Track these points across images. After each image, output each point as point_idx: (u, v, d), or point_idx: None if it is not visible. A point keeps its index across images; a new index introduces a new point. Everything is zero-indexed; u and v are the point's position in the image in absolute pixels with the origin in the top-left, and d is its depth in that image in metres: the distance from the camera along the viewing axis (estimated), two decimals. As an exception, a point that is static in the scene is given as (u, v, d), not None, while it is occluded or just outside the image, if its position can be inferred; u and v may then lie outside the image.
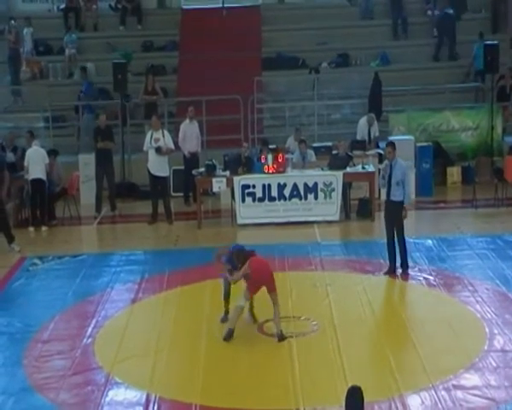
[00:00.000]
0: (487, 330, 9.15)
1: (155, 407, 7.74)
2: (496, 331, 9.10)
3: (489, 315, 9.57)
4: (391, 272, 10.96)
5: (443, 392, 7.78)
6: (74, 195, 14.84)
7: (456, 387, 7.87)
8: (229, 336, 9.08)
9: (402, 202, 10.82)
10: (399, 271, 11.02)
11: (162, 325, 9.75)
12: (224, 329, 9.19)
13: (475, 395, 7.72)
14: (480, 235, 12.17)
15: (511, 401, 7.59)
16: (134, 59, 18.62)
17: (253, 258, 9.31)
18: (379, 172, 14.93)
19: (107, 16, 19.96)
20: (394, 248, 10.96)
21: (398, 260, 11.04)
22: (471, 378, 8.06)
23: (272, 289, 9.23)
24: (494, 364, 8.30)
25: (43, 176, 13.96)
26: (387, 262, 11.26)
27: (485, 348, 8.71)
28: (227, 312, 9.56)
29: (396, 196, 10.81)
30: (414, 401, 7.70)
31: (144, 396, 7.94)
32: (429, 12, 19.27)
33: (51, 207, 14.33)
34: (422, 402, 7.68)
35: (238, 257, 9.31)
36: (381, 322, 9.57)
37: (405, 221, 10.99)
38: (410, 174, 10.93)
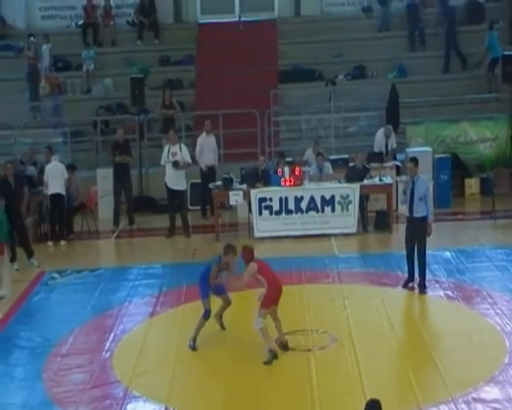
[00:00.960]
0: (507, 343, 9.07)
1: (174, 421, 7.75)
2: (516, 344, 9.03)
3: (509, 328, 9.49)
4: (408, 284, 10.86)
5: (463, 405, 7.73)
6: (92, 209, 14.93)
7: (475, 400, 7.81)
8: (272, 359, 8.78)
9: (425, 218, 10.64)
10: (415, 287, 10.82)
11: (180, 338, 9.75)
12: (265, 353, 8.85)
13: (495, 409, 7.65)
14: (499, 246, 12.09)
15: (532, 414, 7.51)
16: (151, 73, 18.75)
17: (260, 263, 9.08)
18: (396, 185, 15.00)
19: (125, 32, 20.12)
20: (413, 261, 10.82)
21: (416, 272, 10.94)
22: (491, 392, 7.99)
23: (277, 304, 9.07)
24: (515, 377, 8.22)
25: (62, 191, 14.07)
26: (405, 275, 11.22)
27: (506, 361, 8.63)
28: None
29: (419, 212, 10.64)
30: (433, 414, 7.65)
31: (163, 410, 7.95)
32: (445, 24, 19.21)
33: (69, 221, 14.43)
34: (442, 416, 7.62)
35: (244, 254, 9.04)
36: (399, 335, 9.52)
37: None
38: (431, 189, 10.82)
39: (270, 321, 9.15)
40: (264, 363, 8.79)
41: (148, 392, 8.31)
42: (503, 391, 7.96)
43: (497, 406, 7.70)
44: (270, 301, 9.03)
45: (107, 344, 9.60)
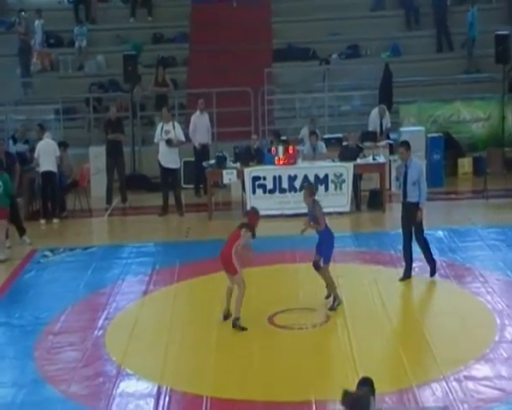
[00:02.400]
0: (498, 321, 9.13)
1: (166, 399, 7.77)
2: (507, 322, 9.08)
3: (500, 306, 9.55)
4: (406, 277, 10.53)
5: (454, 383, 7.77)
6: (85, 187, 14.89)
7: (467, 378, 7.86)
8: (224, 317, 9.29)
9: (419, 203, 10.35)
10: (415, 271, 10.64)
11: (173, 316, 9.77)
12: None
13: (486, 386, 7.71)
14: (491, 226, 12.13)
15: (522, 392, 7.57)
16: (144, 51, 18.64)
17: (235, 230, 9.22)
18: (390, 164, 15.00)
19: (118, 8, 19.96)
20: (411, 252, 10.53)
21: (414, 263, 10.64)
22: (482, 369, 8.05)
23: (231, 274, 9.18)
24: (505, 355, 8.28)
25: (54, 168, 14.01)
26: (398, 254, 11.24)
27: (496, 338, 8.69)
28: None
29: (413, 196, 10.32)
30: (425, 392, 7.69)
31: (155, 388, 7.96)
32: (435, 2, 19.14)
33: (62, 199, 14.38)
34: (433, 393, 7.66)
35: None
36: (391, 314, 9.55)
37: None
38: (424, 172, 10.52)
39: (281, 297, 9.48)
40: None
41: (140, 370, 8.33)
42: (493, 369, 8.02)
43: (487, 383, 7.76)
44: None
45: (100, 322, 9.60)
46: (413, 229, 10.49)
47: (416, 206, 10.33)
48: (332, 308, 9.59)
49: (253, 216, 9.40)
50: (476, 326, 9.11)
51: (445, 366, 8.09)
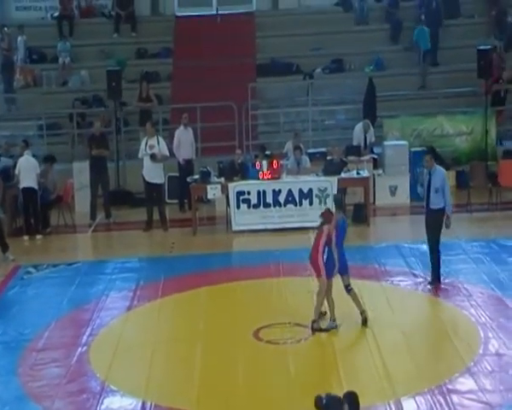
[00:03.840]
0: (482, 334, 9.17)
1: (151, 415, 7.73)
2: (490, 335, 9.12)
3: (484, 319, 9.59)
4: (435, 281, 10.69)
5: (438, 396, 7.79)
6: (69, 203, 14.82)
7: (451, 391, 7.88)
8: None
9: (442, 210, 10.60)
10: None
11: (158, 332, 9.73)
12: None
13: (470, 399, 7.73)
14: (475, 239, 12.18)
15: (506, 404, 7.60)
16: (128, 66, 18.63)
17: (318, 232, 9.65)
18: (373, 178, 15.07)
19: (101, 24, 19.96)
20: (438, 256, 10.72)
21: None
22: (466, 383, 8.08)
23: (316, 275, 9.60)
24: (489, 368, 8.31)
25: (34, 185, 13.93)
26: (382, 268, 11.27)
27: (480, 352, 8.72)
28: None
29: (435, 203, 10.60)
30: (409, 405, 7.71)
31: (140, 404, 7.93)
32: (423, 17, 19.31)
33: (46, 215, 14.31)
34: (418, 407, 7.68)
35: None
36: (376, 327, 9.56)
37: (402, 225, 10.95)
38: (448, 181, 10.81)
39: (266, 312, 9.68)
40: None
41: (125, 386, 8.28)
42: (477, 382, 8.04)
43: (471, 396, 7.78)
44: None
45: (84, 338, 9.54)
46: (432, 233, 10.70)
47: (439, 212, 10.60)
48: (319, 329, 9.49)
49: (327, 214, 9.72)
50: (460, 339, 9.14)
51: (430, 380, 8.10)
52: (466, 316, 9.76)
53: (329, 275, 9.60)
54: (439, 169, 10.84)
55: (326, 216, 9.72)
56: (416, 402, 7.74)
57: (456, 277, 11.04)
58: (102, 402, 7.97)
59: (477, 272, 11.15)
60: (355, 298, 9.67)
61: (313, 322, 9.46)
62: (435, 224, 10.64)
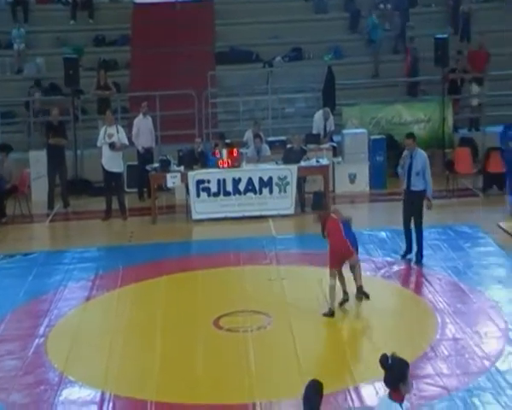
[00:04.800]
0: (439, 319, 9.28)
1: (110, 405, 7.67)
2: (447, 320, 9.25)
3: (441, 305, 9.71)
4: (405, 256, 11.12)
5: (396, 382, 7.85)
6: (25, 192, 14.58)
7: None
8: (328, 314, 9.37)
9: (422, 192, 10.88)
10: (413, 261, 11.07)
11: (116, 321, 9.65)
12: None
13: (428, 384, 7.82)
14: (432, 226, 12.31)
15: (462, 388, 7.72)
16: (85, 54, 18.38)
17: (330, 221, 9.51)
18: (333, 166, 15.14)
19: (58, 10, 19.63)
20: (411, 234, 11.09)
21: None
22: (424, 367, 8.17)
23: (352, 259, 9.55)
24: (446, 352, 8.43)
25: (-12, 174, 13.68)
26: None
27: (438, 337, 8.83)
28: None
29: (416, 186, 10.86)
30: (369, 391, 7.76)
31: (99, 395, 7.85)
32: (381, 5, 19.43)
33: (1, 204, 14.05)
34: (377, 393, 7.73)
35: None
36: (335, 314, 9.59)
37: (361, 213, 11.08)
38: (428, 164, 11.10)
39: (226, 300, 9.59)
40: (323, 314, 9.34)
41: (83, 377, 8.19)
42: (434, 367, 8.14)
43: (429, 381, 7.87)
44: (332, 264, 9.47)
45: (41, 329, 9.41)
46: (413, 216, 10.98)
47: (419, 194, 10.85)
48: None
49: (322, 214, 9.85)
50: (418, 325, 9.25)
51: (388, 365, 8.16)
52: (424, 302, 9.88)
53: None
54: (421, 152, 11.04)
55: (322, 215, 9.75)
56: (374, 388, 7.80)
57: (415, 263, 11.15)
58: (60, 394, 7.87)
59: (435, 259, 11.29)
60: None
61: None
62: (416, 206, 10.91)
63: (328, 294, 9.50)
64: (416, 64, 17.62)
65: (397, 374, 5.11)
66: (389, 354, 5.39)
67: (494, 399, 7.47)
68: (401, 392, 5.11)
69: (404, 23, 18.61)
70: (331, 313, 9.41)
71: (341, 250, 9.53)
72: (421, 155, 11.00)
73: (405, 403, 5.16)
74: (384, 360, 5.25)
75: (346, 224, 9.71)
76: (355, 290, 9.71)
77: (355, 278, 9.64)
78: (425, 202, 11.02)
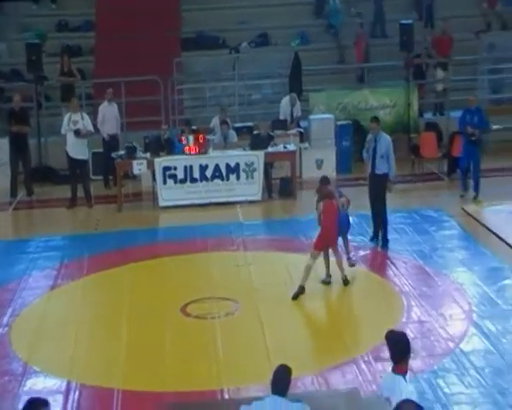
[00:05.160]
0: (405, 302, 9.37)
1: (76, 395, 7.60)
2: (413, 303, 9.33)
3: (406, 288, 9.80)
4: (373, 239, 11.24)
5: (363, 365, 7.93)
6: (-13, 180, 14.35)
7: (375, 359, 8.03)
8: (296, 295, 9.44)
9: (385, 175, 11.00)
10: (379, 245, 11.19)
11: (82, 310, 9.56)
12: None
13: (394, 367, 7.88)
14: (398, 210, 12.40)
15: (428, 370, 7.80)
16: (48, 39, 18.09)
17: (327, 204, 9.66)
18: (300, 152, 15.15)
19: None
20: (385, 220, 11.23)
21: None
22: (390, 350, 8.22)
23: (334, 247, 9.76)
24: (412, 335, 8.47)
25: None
26: (309, 240, 11.38)
27: (403, 320, 8.91)
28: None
29: (380, 169, 10.97)
30: (335, 375, 7.82)
31: (64, 384, 7.78)
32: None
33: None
34: (344, 376, 7.80)
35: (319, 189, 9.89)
36: (302, 299, 9.63)
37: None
38: (392, 148, 11.28)
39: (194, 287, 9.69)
40: (292, 298, 9.42)
41: (48, 367, 8.12)
42: (400, 349, 8.20)
43: (395, 363, 7.94)
44: (316, 246, 9.63)
45: (5, 319, 9.28)
46: (377, 198, 11.11)
47: (383, 177, 10.97)
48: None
49: (323, 189, 9.88)
50: (384, 308, 9.32)
51: (354, 349, 8.25)
52: (390, 285, 9.95)
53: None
54: (385, 136, 11.21)
55: (322, 191, 9.82)
56: (341, 372, 7.86)
57: (380, 247, 11.23)
58: (25, 384, 7.79)
59: (400, 243, 11.37)
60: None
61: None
62: (380, 189, 11.02)
63: (303, 271, 9.59)
64: (368, 50, 17.62)
65: (401, 349, 5.27)
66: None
67: (458, 379, 7.57)
68: (404, 365, 5.28)
69: (380, 8, 18.59)
70: (301, 290, 9.51)
71: (328, 236, 9.65)
72: (385, 139, 11.15)
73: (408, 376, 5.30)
74: (389, 336, 5.38)
75: (344, 213, 9.96)
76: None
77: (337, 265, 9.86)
78: (388, 185, 11.13)
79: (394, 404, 4.98)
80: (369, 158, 11.07)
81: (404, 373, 5.25)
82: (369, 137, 11.25)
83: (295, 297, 9.48)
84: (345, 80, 17.39)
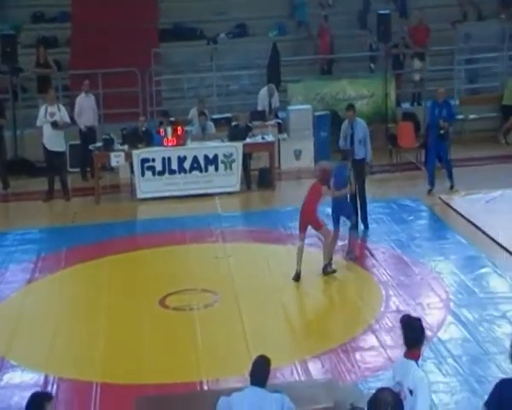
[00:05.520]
0: (383, 292, 9.41)
1: (54, 388, 7.55)
2: (391, 293, 9.38)
3: (385, 277, 9.85)
4: (353, 226, 11.17)
5: (342, 355, 7.96)
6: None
7: (354, 349, 8.07)
8: (296, 277, 9.70)
9: (364, 160, 11.37)
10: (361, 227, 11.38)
11: (60, 304, 9.51)
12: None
13: (372, 356, 7.94)
14: (376, 200, 12.43)
15: (406, 359, 7.83)
16: (23, 30, 17.89)
17: (313, 185, 9.90)
18: (278, 142, 15.14)
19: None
20: (365, 204, 11.49)
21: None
22: (368, 340, 8.29)
23: (316, 228, 9.87)
24: (390, 324, 8.55)
25: None
26: (288, 231, 11.40)
27: (382, 309, 8.96)
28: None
29: (359, 154, 11.31)
30: (314, 365, 7.85)
31: (42, 378, 7.73)
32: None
33: None
34: (323, 366, 7.83)
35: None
36: (282, 290, 9.65)
37: (306, 189, 11.13)
38: (368, 132, 11.62)
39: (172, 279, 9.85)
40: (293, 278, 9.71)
41: (26, 361, 8.06)
42: (379, 338, 8.26)
43: (373, 353, 8.00)
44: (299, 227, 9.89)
45: (-18, 314, 9.21)
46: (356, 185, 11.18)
47: (362, 162, 11.35)
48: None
49: (324, 170, 9.99)
50: (363, 298, 9.36)
51: (334, 339, 8.28)
52: (368, 275, 10.00)
53: (336, 225, 10.18)
54: (360, 121, 11.62)
55: (323, 174, 9.91)
56: (320, 362, 7.88)
57: (359, 237, 11.27)
58: (2, 378, 7.73)
59: (378, 232, 11.42)
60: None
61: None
62: (360, 173, 11.19)
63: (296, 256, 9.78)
64: (333, 42, 17.60)
65: (414, 335, 5.29)
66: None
67: (436, 367, 7.62)
68: (417, 351, 5.29)
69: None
70: (296, 276, 9.71)
71: (302, 215, 9.84)
72: (361, 125, 11.54)
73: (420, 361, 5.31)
74: (404, 321, 5.41)
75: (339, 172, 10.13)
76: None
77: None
78: (366, 168, 11.46)
79: (406, 388, 5.07)
80: (347, 145, 11.34)
81: (416, 359, 5.26)
82: (345, 124, 11.57)
83: (295, 279, 9.74)
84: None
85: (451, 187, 13.06)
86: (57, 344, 8.42)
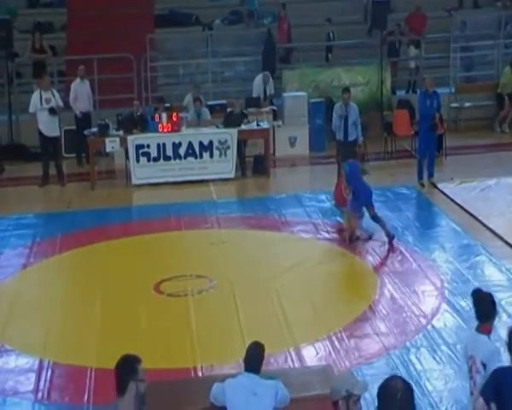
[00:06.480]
0: (378, 279, 9.45)
1: (49, 373, 7.57)
2: (386, 280, 9.41)
3: (380, 265, 9.88)
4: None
5: (336, 342, 7.99)
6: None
7: (348, 336, 8.10)
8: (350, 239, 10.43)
9: (356, 141, 12.26)
10: None
11: (55, 289, 9.51)
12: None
13: (367, 343, 7.97)
14: (372, 188, 12.43)
15: (400, 346, 7.89)
16: (19, 15, 17.81)
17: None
18: (273, 129, 15.13)
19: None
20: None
21: None
22: (363, 327, 8.32)
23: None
24: (384, 312, 8.59)
25: None
26: (282, 218, 11.41)
27: (376, 297, 8.99)
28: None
29: (352, 135, 12.24)
30: (309, 352, 7.88)
31: (37, 362, 7.75)
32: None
33: None
34: (317, 353, 7.86)
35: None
36: (276, 277, 9.67)
37: (302, 176, 11.28)
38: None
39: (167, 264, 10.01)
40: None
41: (21, 345, 8.07)
42: (373, 326, 8.30)
43: (367, 340, 8.03)
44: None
45: (-23, 298, 9.21)
46: None
47: (354, 142, 12.20)
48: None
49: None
50: (357, 286, 9.40)
51: (328, 326, 8.30)
52: (363, 263, 10.03)
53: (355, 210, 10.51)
54: (353, 104, 12.54)
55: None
56: (315, 349, 7.92)
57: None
58: (-3, 363, 7.74)
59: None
60: (382, 225, 10.39)
61: (351, 236, 10.44)
62: (352, 153, 11.41)
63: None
64: (290, 30, 17.49)
65: (485, 309, 5.28)
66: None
67: (430, 355, 7.67)
68: (489, 326, 5.28)
69: None
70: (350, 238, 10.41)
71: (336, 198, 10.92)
72: (354, 108, 12.46)
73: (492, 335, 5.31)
74: (474, 295, 5.39)
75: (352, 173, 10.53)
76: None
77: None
78: (356, 149, 11.89)
79: (478, 362, 5.09)
80: (341, 127, 12.07)
81: (488, 333, 5.25)
82: (339, 106, 12.34)
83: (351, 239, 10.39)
84: (318, 58, 17.33)
85: (431, 176, 12.92)
86: (52, 329, 8.44)
